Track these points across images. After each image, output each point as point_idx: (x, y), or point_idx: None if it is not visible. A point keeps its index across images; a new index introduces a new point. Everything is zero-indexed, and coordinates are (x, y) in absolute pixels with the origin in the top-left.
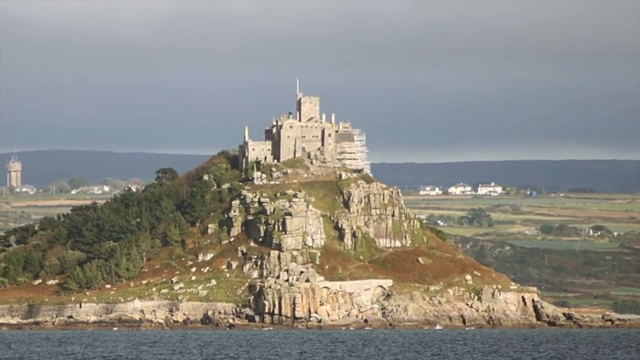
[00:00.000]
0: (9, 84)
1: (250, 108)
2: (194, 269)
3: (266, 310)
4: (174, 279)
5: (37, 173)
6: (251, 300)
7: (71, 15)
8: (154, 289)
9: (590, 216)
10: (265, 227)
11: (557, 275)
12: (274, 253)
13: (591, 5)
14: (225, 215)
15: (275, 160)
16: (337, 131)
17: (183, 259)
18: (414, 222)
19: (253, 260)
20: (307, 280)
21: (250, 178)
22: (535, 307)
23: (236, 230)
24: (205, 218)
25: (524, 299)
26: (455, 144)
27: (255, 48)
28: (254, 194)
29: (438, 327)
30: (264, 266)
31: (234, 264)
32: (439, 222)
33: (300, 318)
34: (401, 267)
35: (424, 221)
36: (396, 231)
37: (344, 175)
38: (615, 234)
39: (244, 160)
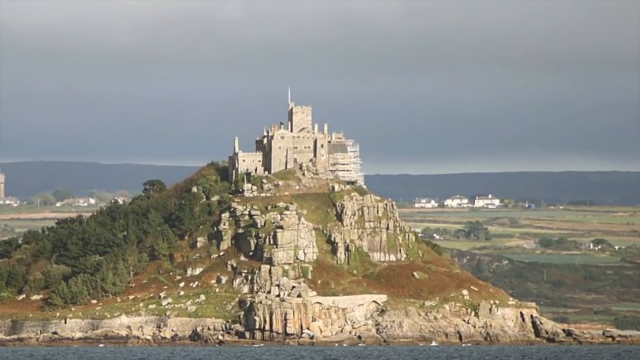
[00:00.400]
0: None
1: (240, 118)
2: (182, 284)
3: (257, 327)
4: (162, 294)
5: (20, 185)
6: (241, 316)
7: (56, 22)
8: (141, 304)
9: (591, 229)
10: (255, 241)
11: (557, 290)
12: (265, 267)
13: (592, 12)
14: (215, 229)
15: (266, 172)
16: (329, 142)
17: (171, 273)
18: (409, 235)
19: (243, 274)
20: (299, 296)
21: (241, 190)
22: (534, 323)
23: (226, 243)
24: (194, 231)
25: (522, 315)
26: (451, 155)
27: (245, 56)
28: (244, 207)
29: (434, 343)
30: (255, 281)
31: (224, 279)
32: (434, 235)
33: (292, 334)
34: (396, 282)
35: (420, 234)
36: (391, 245)
37: (336, 187)
38: (617, 247)
39: (234, 171)
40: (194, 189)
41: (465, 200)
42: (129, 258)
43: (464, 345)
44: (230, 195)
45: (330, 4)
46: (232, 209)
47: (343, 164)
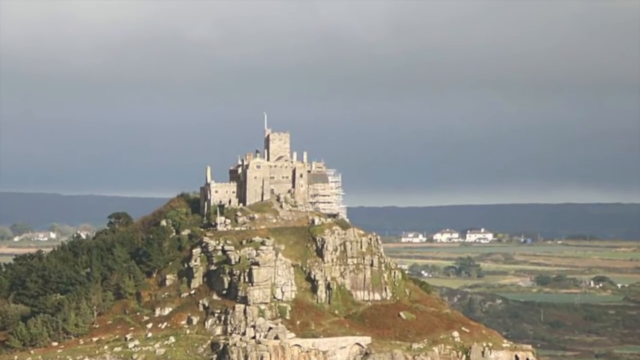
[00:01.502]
0: None
1: (212, 145)
2: (150, 325)
3: None
4: (128, 336)
5: None
6: None
7: (14, 43)
8: (105, 347)
9: (591, 266)
10: (229, 278)
11: (555, 331)
12: (240, 307)
13: (592, 32)
14: (185, 265)
15: (241, 204)
16: (309, 171)
17: (138, 313)
18: (395, 272)
19: (216, 315)
20: (277, 337)
21: (213, 224)
22: None
23: (197, 281)
24: (163, 268)
25: (517, 358)
26: (441, 186)
27: (218, 79)
28: (217, 242)
29: None
30: (229, 321)
31: (195, 319)
32: (423, 272)
33: None
34: (381, 323)
35: (407, 271)
36: (375, 283)
37: (317, 221)
38: (619, 285)
39: (205, 203)
40: (163, 223)
41: (455, 235)
42: (92, 297)
43: None
44: (202, 229)
45: (311, 23)
46: (204, 244)
47: (324, 196)
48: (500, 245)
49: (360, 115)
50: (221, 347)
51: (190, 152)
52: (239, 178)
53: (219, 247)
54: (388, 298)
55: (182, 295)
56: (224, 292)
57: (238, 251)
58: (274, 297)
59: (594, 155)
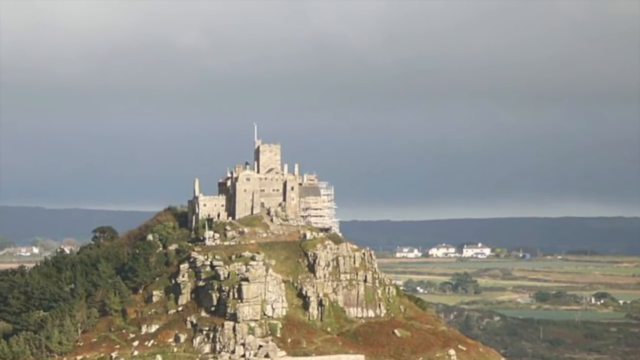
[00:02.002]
0: None
1: (201, 157)
2: (136, 343)
3: None
4: (114, 354)
5: None
6: None
7: None
8: None
9: (592, 282)
10: (218, 295)
11: (554, 349)
12: (229, 324)
13: (592, 40)
14: (173, 281)
15: (230, 218)
16: (301, 184)
17: (124, 330)
18: (389, 288)
19: (204, 332)
20: (267, 356)
21: (201, 238)
22: None
23: (185, 298)
24: (150, 284)
25: None
26: (436, 199)
27: (206, 88)
28: (206, 257)
29: None
30: (217, 339)
31: (183, 337)
32: (418, 288)
33: None
34: (375, 341)
35: (401, 287)
36: (369, 299)
37: (308, 235)
38: (621, 302)
39: (193, 217)
40: (150, 237)
41: (452, 250)
42: (76, 314)
43: None
44: (190, 244)
45: (302, 30)
46: (191, 259)
47: (316, 209)
48: (498, 261)
49: (353, 125)
50: None
51: (177, 164)
52: (228, 191)
53: (208, 263)
54: (382, 315)
55: (169, 312)
56: (213, 308)
57: (227, 266)
58: (264, 314)
59: (595, 167)
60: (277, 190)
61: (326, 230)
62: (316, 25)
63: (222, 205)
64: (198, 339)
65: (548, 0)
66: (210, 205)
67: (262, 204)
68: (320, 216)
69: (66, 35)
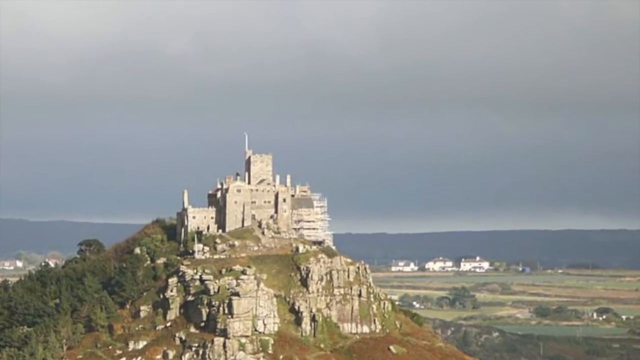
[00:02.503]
0: None
1: (190, 168)
2: (123, 359)
3: None
4: None
5: None
6: None
7: None
8: None
9: (594, 296)
10: (208, 310)
11: None
12: (219, 340)
13: (594, 46)
14: (161, 296)
15: (220, 230)
16: (293, 196)
17: (110, 347)
18: (384, 303)
19: (194, 348)
20: None
21: (191, 251)
22: None
23: (173, 313)
24: (137, 299)
25: None
26: (433, 211)
27: (196, 96)
28: (195, 271)
29: None
30: (207, 356)
31: (171, 353)
32: (414, 303)
33: None
34: (369, 357)
35: (397, 302)
36: (363, 314)
37: (301, 248)
38: (624, 317)
39: (182, 230)
40: (137, 250)
41: (449, 263)
42: (61, 329)
43: None
44: (179, 258)
45: (295, 37)
46: (180, 274)
47: (309, 221)
48: (497, 275)
49: (348, 135)
50: None
51: (166, 175)
52: (218, 203)
53: (197, 277)
54: (377, 331)
55: (157, 328)
56: (202, 324)
57: (217, 281)
58: (256, 330)
59: (597, 178)
60: (269, 202)
61: (319, 243)
62: (309, 31)
63: (212, 218)
64: (187, 355)
65: (548, 6)
66: (200, 218)
67: (253, 216)
68: (314, 229)
69: (52, 42)
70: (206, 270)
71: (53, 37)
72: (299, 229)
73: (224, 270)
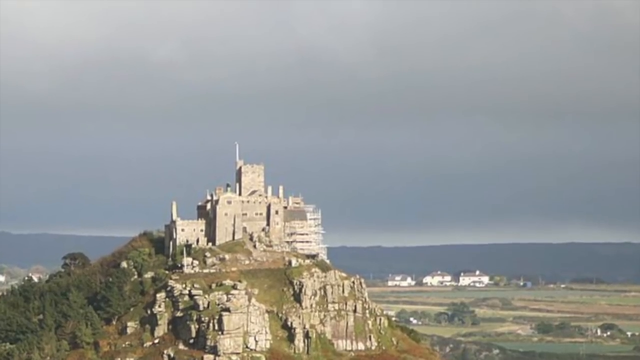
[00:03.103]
0: None
1: (178, 179)
2: None
3: None
4: None
5: None
6: None
7: None
8: None
9: (598, 312)
10: (197, 326)
11: None
12: (209, 358)
13: (598, 52)
14: (148, 311)
15: (210, 244)
16: (285, 207)
17: None
18: (380, 319)
19: None
20: None
21: (179, 265)
22: None
23: (162, 329)
24: (124, 315)
25: None
26: (431, 224)
27: (185, 105)
28: (184, 285)
29: None
30: None
31: None
32: (411, 319)
33: None
34: None
35: (394, 318)
36: (359, 331)
37: (294, 262)
38: (629, 334)
39: (171, 243)
40: (124, 264)
41: (447, 278)
42: (45, 346)
43: None
44: (167, 272)
45: (288, 43)
46: (169, 288)
47: (302, 234)
48: (497, 290)
49: (342, 144)
50: None
51: (153, 186)
52: (207, 215)
53: (186, 292)
54: (373, 348)
55: (144, 345)
56: (192, 341)
57: (207, 296)
58: (247, 347)
59: (601, 190)
60: (261, 214)
61: (313, 257)
62: (303, 37)
63: (202, 230)
64: None
65: (550, 11)
66: (189, 230)
67: (244, 229)
68: (307, 242)
69: (34, 48)
70: (195, 285)
71: (36, 43)
72: (291, 242)
73: (214, 285)
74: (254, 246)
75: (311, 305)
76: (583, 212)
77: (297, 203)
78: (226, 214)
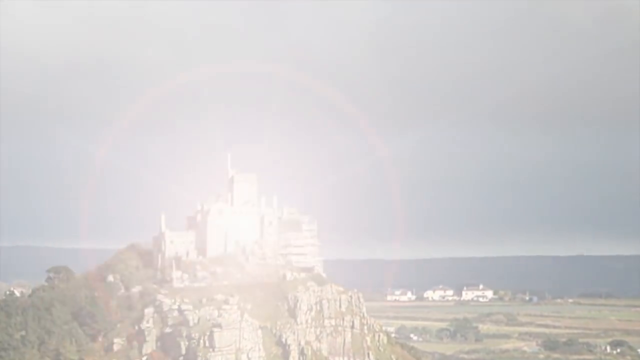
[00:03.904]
0: None
1: (167, 188)
2: None
3: None
4: None
5: None
6: None
7: None
8: None
9: (608, 328)
10: (187, 343)
11: None
12: None
13: (609, 55)
14: (136, 327)
15: (201, 256)
16: (280, 218)
17: None
18: (379, 335)
19: None
20: None
21: (168, 279)
22: None
23: (150, 346)
24: (110, 331)
25: None
26: (432, 235)
27: (172, 111)
28: (173, 300)
29: None
30: None
31: None
32: (412, 335)
33: None
34: None
35: (393, 335)
36: (356, 348)
37: (289, 276)
38: None
39: (159, 256)
40: (110, 278)
41: (450, 292)
42: None
43: None
44: (156, 286)
45: (281, 44)
46: (157, 303)
47: (297, 246)
48: (502, 304)
49: (338, 152)
50: None
51: (141, 196)
52: (198, 226)
53: (175, 307)
54: None
55: None
56: (181, 358)
57: (197, 311)
58: None
59: (611, 200)
60: (253, 225)
61: (309, 270)
62: (297, 39)
63: (192, 242)
64: None
65: (558, 10)
66: (179, 242)
67: (237, 241)
68: (302, 254)
69: (15, 52)
70: (185, 300)
71: (16, 46)
72: (286, 254)
73: (204, 300)
74: (247, 259)
75: (307, 321)
76: (592, 223)
77: (291, 214)
78: (218, 226)
